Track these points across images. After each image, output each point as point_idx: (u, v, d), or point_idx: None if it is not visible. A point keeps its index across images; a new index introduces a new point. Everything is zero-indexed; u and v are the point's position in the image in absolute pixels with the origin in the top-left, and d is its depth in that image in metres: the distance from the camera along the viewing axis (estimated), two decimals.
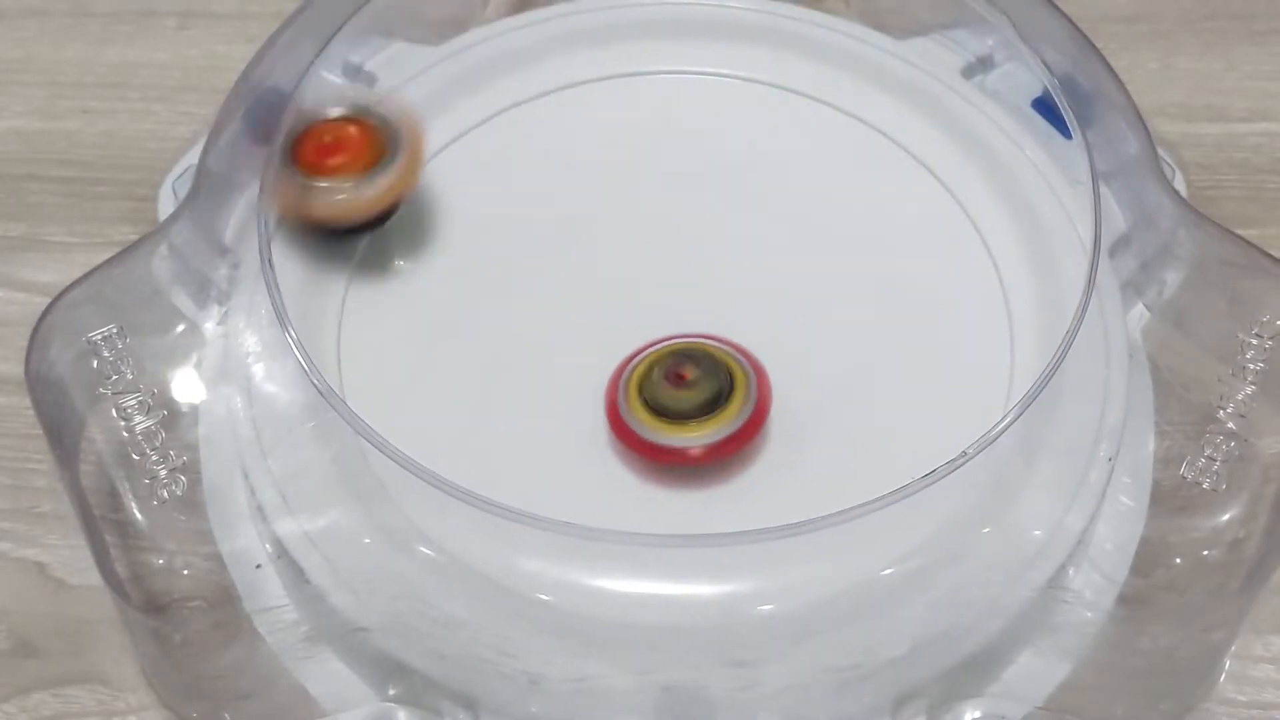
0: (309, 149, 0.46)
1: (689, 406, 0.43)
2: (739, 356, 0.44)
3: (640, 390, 0.44)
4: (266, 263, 0.43)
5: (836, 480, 0.42)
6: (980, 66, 0.52)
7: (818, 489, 0.43)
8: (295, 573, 0.43)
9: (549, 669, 0.41)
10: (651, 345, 0.45)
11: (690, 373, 0.44)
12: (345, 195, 0.45)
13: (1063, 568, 0.43)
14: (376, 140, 0.46)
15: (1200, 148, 0.55)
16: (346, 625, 0.42)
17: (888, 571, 0.42)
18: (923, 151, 0.50)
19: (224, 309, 0.46)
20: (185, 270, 0.46)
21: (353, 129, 0.46)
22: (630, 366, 0.44)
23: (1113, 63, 0.49)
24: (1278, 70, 0.57)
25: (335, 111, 0.46)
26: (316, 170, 0.45)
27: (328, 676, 0.44)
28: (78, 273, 0.45)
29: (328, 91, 0.47)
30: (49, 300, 0.45)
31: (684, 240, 0.48)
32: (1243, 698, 0.45)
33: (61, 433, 0.43)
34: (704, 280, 0.47)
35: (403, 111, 0.46)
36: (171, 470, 0.43)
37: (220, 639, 0.43)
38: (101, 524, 0.42)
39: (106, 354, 0.44)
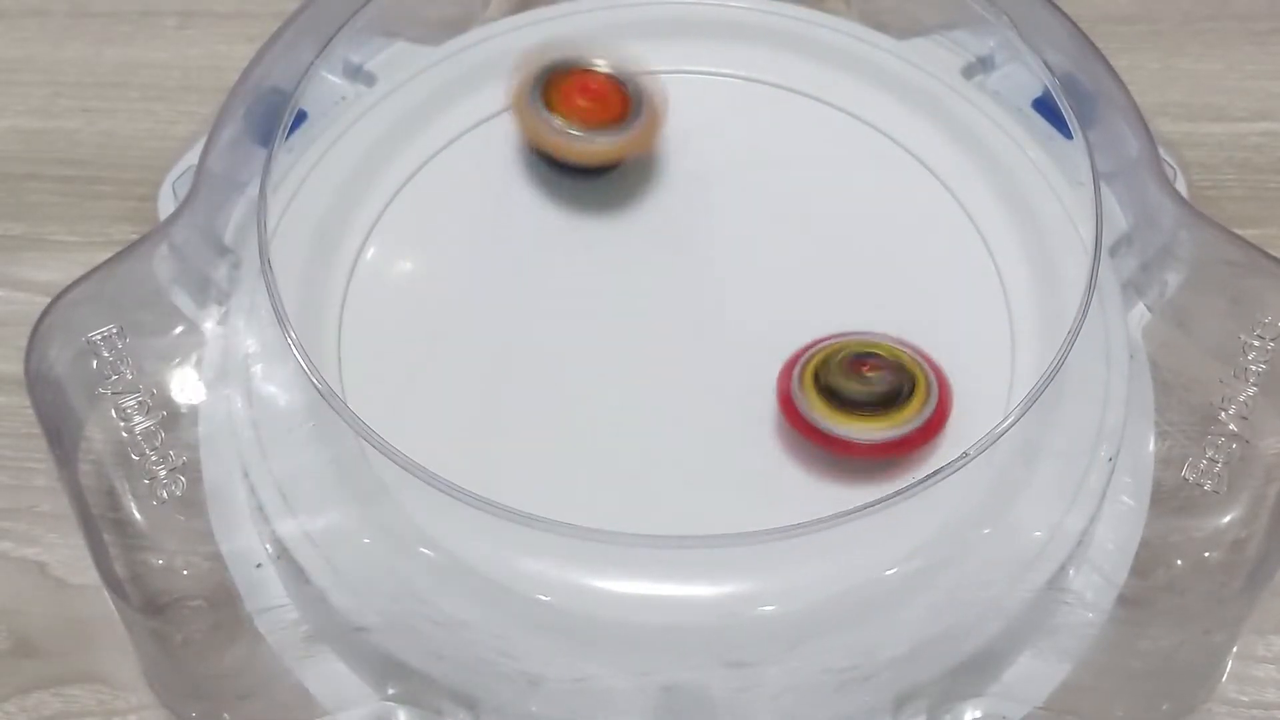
0: (564, 87, 0.48)
1: (869, 397, 0.43)
2: (918, 358, 0.44)
3: (816, 380, 0.43)
4: (266, 263, 0.43)
5: (837, 481, 0.42)
6: (981, 67, 0.52)
7: (818, 489, 0.43)
8: (295, 572, 0.43)
9: (549, 669, 0.41)
10: (821, 341, 0.44)
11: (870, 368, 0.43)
12: (579, 140, 0.47)
13: (1063, 568, 0.43)
14: (623, 100, 0.48)
15: (1201, 148, 0.55)
16: (346, 625, 0.42)
17: (888, 572, 0.42)
18: (923, 151, 0.50)
19: (224, 309, 0.46)
20: (185, 270, 0.46)
21: (607, 84, 0.48)
22: (806, 356, 0.44)
23: (1114, 63, 0.49)
24: (1278, 70, 0.57)
25: (600, 65, 0.48)
26: (564, 108, 0.47)
27: (328, 676, 0.44)
28: (78, 272, 0.45)
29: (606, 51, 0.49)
30: (49, 300, 0.45)
31: (683, 240, 0.48)
32: (1244, 698, 0.45)
33: (61, 433, 0.43)
34: (702, 280, 0.47)
35: (656, 89, 0.48)
36: (171, 470, 0.43)
37: (220, 639, 0.43)
38: (101, 524, 0.42)
39: (106, 354, 0.44)
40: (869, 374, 0.43)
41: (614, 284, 0.47)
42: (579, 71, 0.48)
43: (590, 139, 0.47)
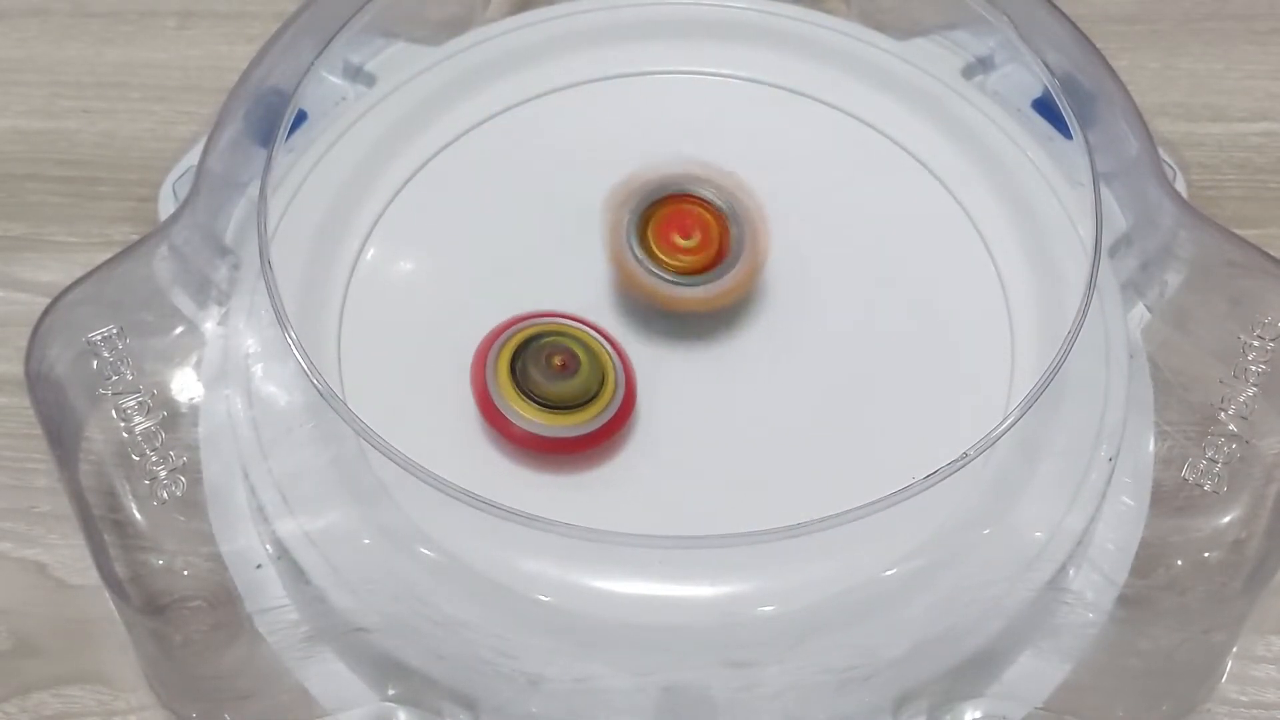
0: (661, 224, 0.45)
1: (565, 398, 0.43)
2: (607, 346, 0.44)
3: (515, 380, 0.43)
4: (266, 263, 0.43)
5: (837, 480, 0.42)
6: (981, 67, 0.52)
7: (818, 489, 0.43)
8: (295, 573, 0.43)
9: (549, 669, 0.41)
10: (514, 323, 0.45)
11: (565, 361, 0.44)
12: (684, 292, 0.45)
13: (1063, 568, 0.43)
14: (723, 230, 0.45)
15: (1201, 148, 0.55)
16: (346, 625, 0.42)
17: (888, 572, 0.42)
18: (923, 151, 0.50)
19: (224, 309, 0.46)
20: (185, 270, 0.46)
21: (701, 211, 0.45)
22: (502, 344, 0.44)
23: (1114, 63, 0.49)
24: (1278, 70, 0.57)
25: (703, 192, 0.46)
26: (664, 248, 0.45)
27: (328, 676, 0.44)
28: (78, 272, 0.45)
29: (684, 168, 0.46)
30: (49, 300, 0.45)
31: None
32: (1244, 698, 0.45)
33: (61, 433, 0.43)
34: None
35: (760, 223, 0.46)
36: (171, 471, 0.43)
37: (221, 639, 0.43)
38: (101, 525, 0.42)
39: (106, 354, 0.44)
40: (561, 372, 0.43)
41: (614, 283, 0.47)
42: (677, 199, 0.46)
43: (685, 287, 0.45)
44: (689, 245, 0.45)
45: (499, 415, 0.43)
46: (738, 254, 0.45)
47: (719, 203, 0.46)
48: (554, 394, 0.43)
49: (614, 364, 0.44)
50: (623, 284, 0.46)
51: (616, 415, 0.44)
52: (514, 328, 0.44)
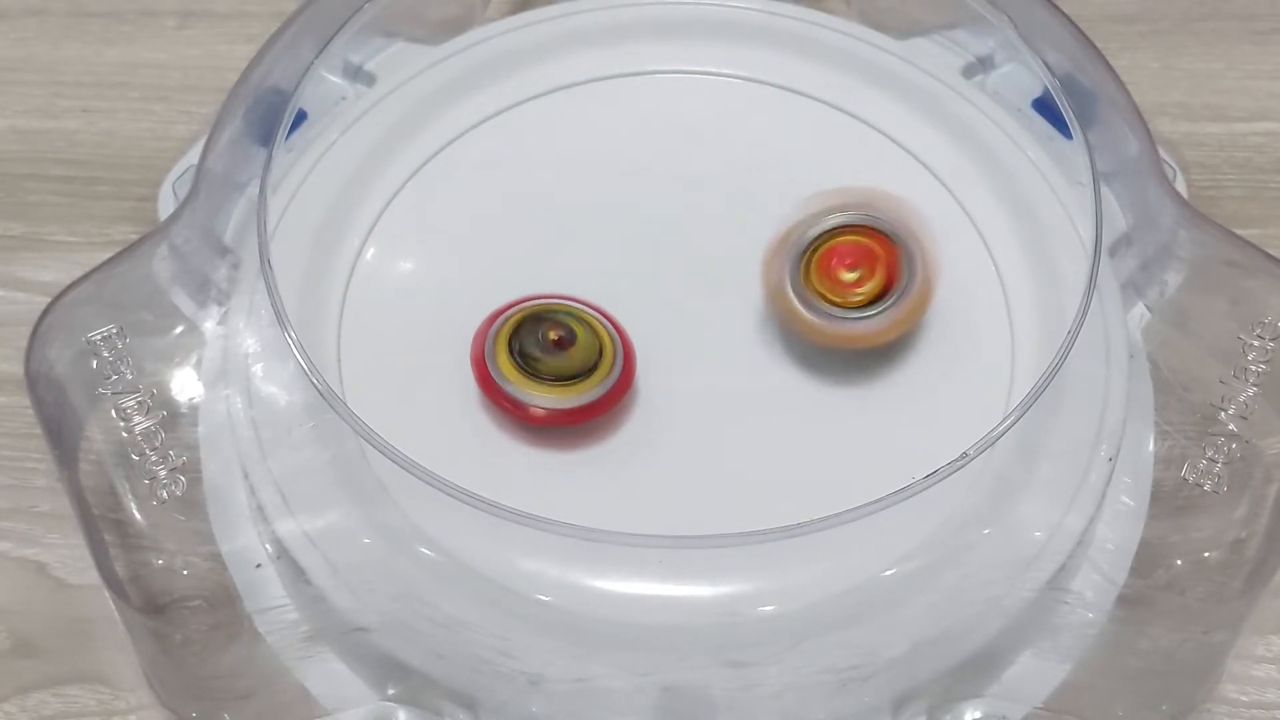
0: (824, 259, 0.44)
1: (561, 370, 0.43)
2: (607, 324, 0.44)
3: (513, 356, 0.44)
4: (266, 263, 0.43)
5: (837, 480, 0.42)
6: (981, 67, 0.52)
7: (818, 489, 0.43)
8: (295, 573, 0.43)
9: (549, 669, 0.41)
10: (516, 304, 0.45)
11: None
12: (852, 326, 0.44)
13: (1063, 568, 0.43)
14: (892, 259, 0.44)
15: (1201, 148, 0.55)
16: (346, 625, 0.42)
17: (888, 572, 0.42)
18: (923, 151, 0.50)
19: (224, 309, 0.46)
20: (185, 270, 0.46)
21: (869, 243, 0.44)
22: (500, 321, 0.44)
23: (1114, 63, 0.49)
24: (1278, 70, 0.57)
25: (844, 219, 0.44)
26: (829, 281, 0.44)
27: (328, 676, 0.44)
28: (78, 272, 0.45)
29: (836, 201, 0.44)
30: (49, 300, 0.45)
31: (684, 241, 0.48)
32: (1244, 698, 0.45)
33: (61, 433, 0.43)
34: (701, 282, 0.47)
35: (921, 233, 0.44)
36: (171, 470, 0.43)
37: (220, 639, 0.43)
38: (101, 524, 0.42)
39: (106, 354, 0.44)
40: (558, 346, 0.44)
41: (614, 284, 0.47)
42: (845, 230, 0.44)
43: (853, 320, 0.44)
44: (853, 278, 0.44)
45: (498, 391, 0.43)
46: (910, 275, 0.44)
47: (883, 229, 0.44)
48: (551, 368, 0.43)
49: (612, 339, 0.44)
50: (783, 321, 0.45)
51: (614, 388, 0.44)
52: (513, 309, 0.44)
